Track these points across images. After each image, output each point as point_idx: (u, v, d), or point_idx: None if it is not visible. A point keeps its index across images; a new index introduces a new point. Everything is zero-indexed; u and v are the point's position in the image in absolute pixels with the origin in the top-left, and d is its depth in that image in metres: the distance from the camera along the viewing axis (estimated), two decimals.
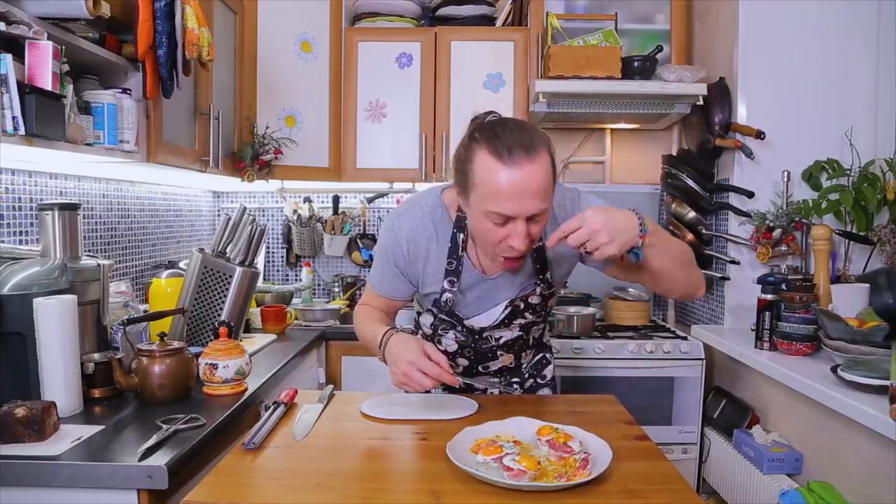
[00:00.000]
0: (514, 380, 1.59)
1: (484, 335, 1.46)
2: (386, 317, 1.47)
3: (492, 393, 1.58)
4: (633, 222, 1.14)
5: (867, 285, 2.05)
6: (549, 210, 1.22)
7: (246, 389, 1.59)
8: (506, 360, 1.52)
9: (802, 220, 2.30)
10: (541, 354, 1.62)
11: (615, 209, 1.15)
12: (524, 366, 1.59)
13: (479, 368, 1.54)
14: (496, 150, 1.14)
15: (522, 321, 1.45)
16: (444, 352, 1.44)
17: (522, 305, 1.41)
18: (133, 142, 1.71)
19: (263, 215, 3.17)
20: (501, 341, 1.48)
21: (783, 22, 2.38)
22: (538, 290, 1.39)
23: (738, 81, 2.42)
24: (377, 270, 1.44)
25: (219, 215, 3.18)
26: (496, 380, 1.57)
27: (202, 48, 1.76)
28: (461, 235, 1.35)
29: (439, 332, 1.50)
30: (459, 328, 1.46)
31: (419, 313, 1.58)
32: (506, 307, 1.41)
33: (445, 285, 1.37)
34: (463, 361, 1.52)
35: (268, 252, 3.17)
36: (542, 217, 1.19)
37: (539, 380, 1.62)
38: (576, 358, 2.44)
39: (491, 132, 1.17)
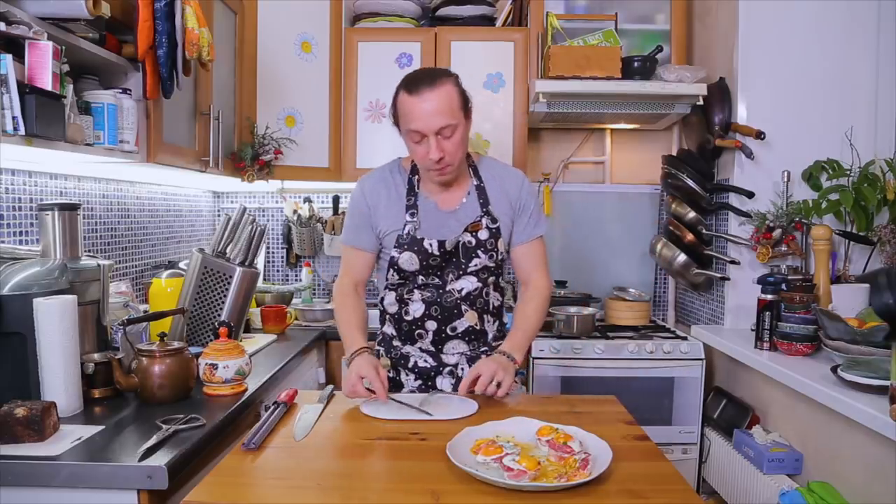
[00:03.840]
0: (483, 349, 1.67)
1: (447, 288, 1.62)
2: (362, 318, 1.64)
3: (463, 370, 1.64)
4: (509, 363, 1.53)
5: (867, 285, 2.05)
6: (459, 129, 1.51)
7: (246, 389, 1.59)
8: (471, 317, 1.64)
9: (802, 221, 2.30)
10: (500, 321, 1.78)
11: (494, 358, 1.53)
12: (489, 335, 1.69)
13: (448, 331, 1.63)
14: (407, 87, 1.51)
15: (477, 261, 1.62)
16: (412, 319, 1.64)
17: (474, 242, 1.61)
18: (133, 142, 1.71)
19: (263, 215, 3.17)
20: (464, 293, 1.63)
21: (783, 22, 2.38)
22: (484, 221, 1.62)
23: (738, 81, 2.42)
24: (348, 227, 1.69)
25: (219, 215, 3.18)
26: (466, 348, 1.65)
27: (202, 48, 1.76)
28: (415, 178, 1.66)
29: (405, 297, 1.64)
30: (421, 285, 1.62)
31: (382, 299, 1.69)
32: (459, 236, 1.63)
33: (407, 217, 1.62)
34: (431, 325, 1.63)
35: (268, 252, 3.17)
36: (452, 133, 1.50)
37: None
38: (576, 358, 2.44)
39: (407, 78, 1.54)
